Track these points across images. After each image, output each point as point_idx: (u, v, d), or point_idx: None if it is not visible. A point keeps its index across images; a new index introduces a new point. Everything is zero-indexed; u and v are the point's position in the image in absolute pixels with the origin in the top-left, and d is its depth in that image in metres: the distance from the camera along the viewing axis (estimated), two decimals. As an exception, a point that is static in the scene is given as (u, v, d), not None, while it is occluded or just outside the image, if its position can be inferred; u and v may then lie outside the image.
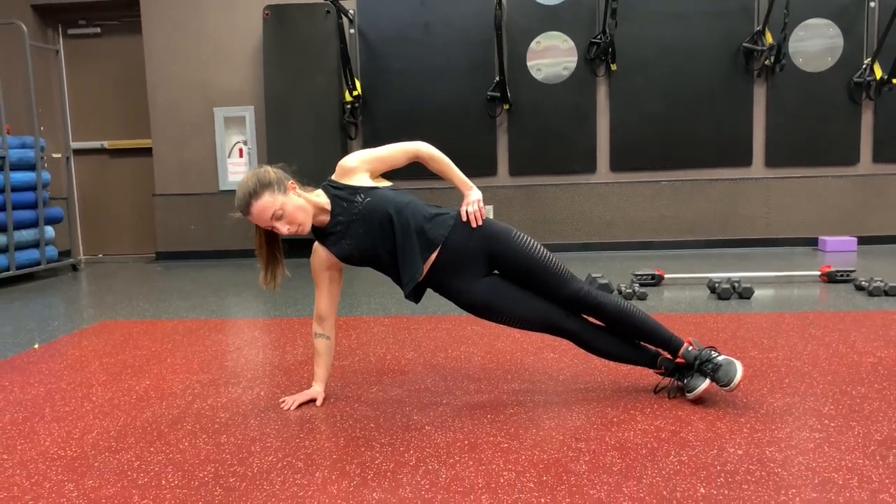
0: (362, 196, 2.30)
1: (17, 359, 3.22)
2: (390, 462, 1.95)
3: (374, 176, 2.38)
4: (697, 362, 2.30)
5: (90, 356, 3.22)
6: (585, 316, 2.40)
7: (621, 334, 2.39)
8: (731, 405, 2.29)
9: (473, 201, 2.38)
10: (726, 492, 1.72)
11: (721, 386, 2.24)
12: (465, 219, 2.36)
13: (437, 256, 2.33)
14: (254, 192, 2.19)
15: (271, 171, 2.25)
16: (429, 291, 2.45)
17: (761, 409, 2.26)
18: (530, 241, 2.37)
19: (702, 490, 1.73)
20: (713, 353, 2.30)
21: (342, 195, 2.32)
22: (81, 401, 2.58)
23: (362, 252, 2.32)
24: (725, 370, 2.24)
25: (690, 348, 2.33)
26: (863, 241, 6.19)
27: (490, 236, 2.35)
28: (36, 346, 3.44)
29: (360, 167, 2.35)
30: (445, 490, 1.78)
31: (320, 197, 2.33)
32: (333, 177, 2.37)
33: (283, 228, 2.23)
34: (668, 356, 2.37)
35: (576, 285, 2.33)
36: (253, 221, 2.25)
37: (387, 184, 2.40)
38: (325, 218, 2.33)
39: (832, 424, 2.12)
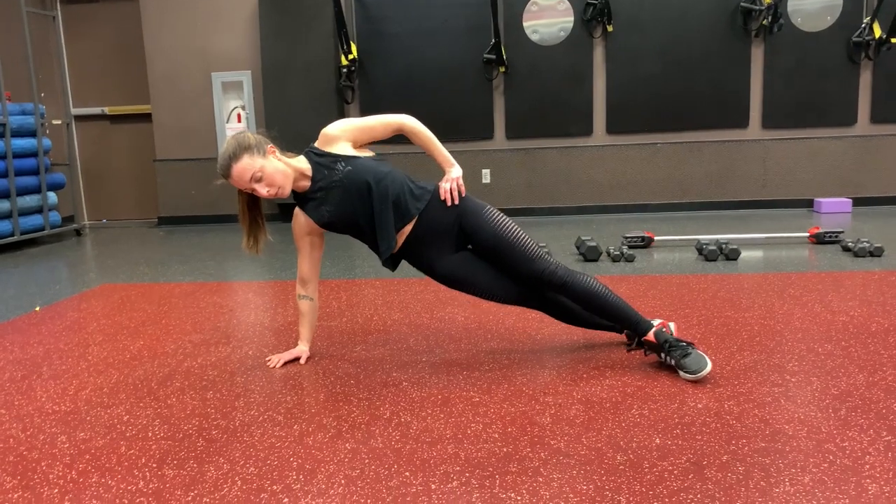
0: (343, 164, 2.35)
1: (19, 320, 3.33)
2: (366, 415, 2.06)
3: (356, 146, 2.41)
4: (667, 345, 2.28)
5: (88, 318, 3.33)
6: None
7: (590, 312, 2.43)
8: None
9: (453, 178, 2.41)
10: (680, 442, 1.81)
11: (687, 373, 2.20)
12: (443, 196, 2.40)
13: (412, 229, 2.39)
14: (233, 155, 2.25)
15: (251, 136, 2.31)
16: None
17: (727, 366, 2.34)
18: (501, 217, 2.40)
19: (657, 441, 1.82)
20: (684, 343, 2.27)
21: (324, 162, 2.37)
22: (77, 360, 2.69)
23: (341, 219, 2.38)
24: (696, 359, 2.20)
25: (664, 329, 2.33)
26: (859, 202, 6.22)
27: (462, 212, 2.39)
28: (37, 308, 3.56)
29: (342, 136, 2.39)
30: (415, 441, 1.88)
31: (301, 162, 2.38)
32: (316, 144, 2.42)
33: (263, 190, 2.29)
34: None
35: (541, 265, 2.34)
36: (233, 184, 2.31)
37: (369, 154, 2.44)
38: (306, 184, 2.39)
39: (793, 380, 2.20)
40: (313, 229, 2.44)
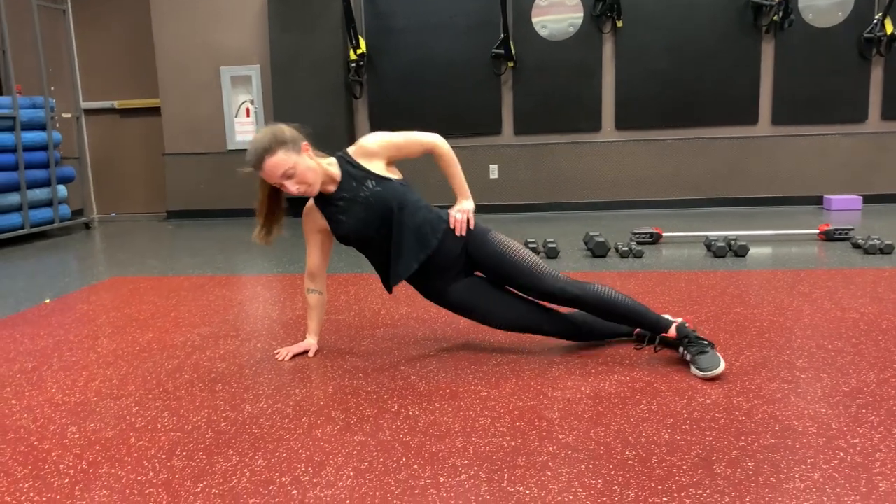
0: (373, 183, 2.34)
1: (29, 312, 3.35)
2: (374, 408, 2.06)
3: (389, 163, 2.41)
4: (686, 340, 2.28)
5: (98, 310, 3.34)
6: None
7: (608, 319, 2.42)
8: (708, 358, 2.36)
9: (464, 210, 2.43)
10: (689, 437, 1.80)
11: (698, 369, 2.20)
12: (452, 224, 2.41)
13: (425, 258, 2.39)
14: (268, 149, 2.21)
15: (287, 130, 2.27)
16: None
17: (736, 362, 2.33)
18: (505, 240, 2.42)
19: (666, 436, 1.82)
20: (705, 341, 2.27)
21: (355, 174, 2.35)
22: (87, 352, 2.70)
23: (356, 234, 2.37)
24: (711, 357, 2.20)
25: (687, 324, 2.34)
26: (870, 199, 6.18)
27: (469, 238, 2.41)
28: (47, 300, 3.58)
29: (380, 153, 2.37)
30: (423, 434, 1.88)
31: (332, 167, 2.36)
32: (351, 153, 2.39)
33: (293, 188, 2.26)
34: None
35: (549, 283, 2.34)
36: (263, 177, 2.29)
37: (398, 176, 2.42)
38: (332, 188, 2.37)
39: (803, 376, 2.19)
40: (324, 227, 2.44)
